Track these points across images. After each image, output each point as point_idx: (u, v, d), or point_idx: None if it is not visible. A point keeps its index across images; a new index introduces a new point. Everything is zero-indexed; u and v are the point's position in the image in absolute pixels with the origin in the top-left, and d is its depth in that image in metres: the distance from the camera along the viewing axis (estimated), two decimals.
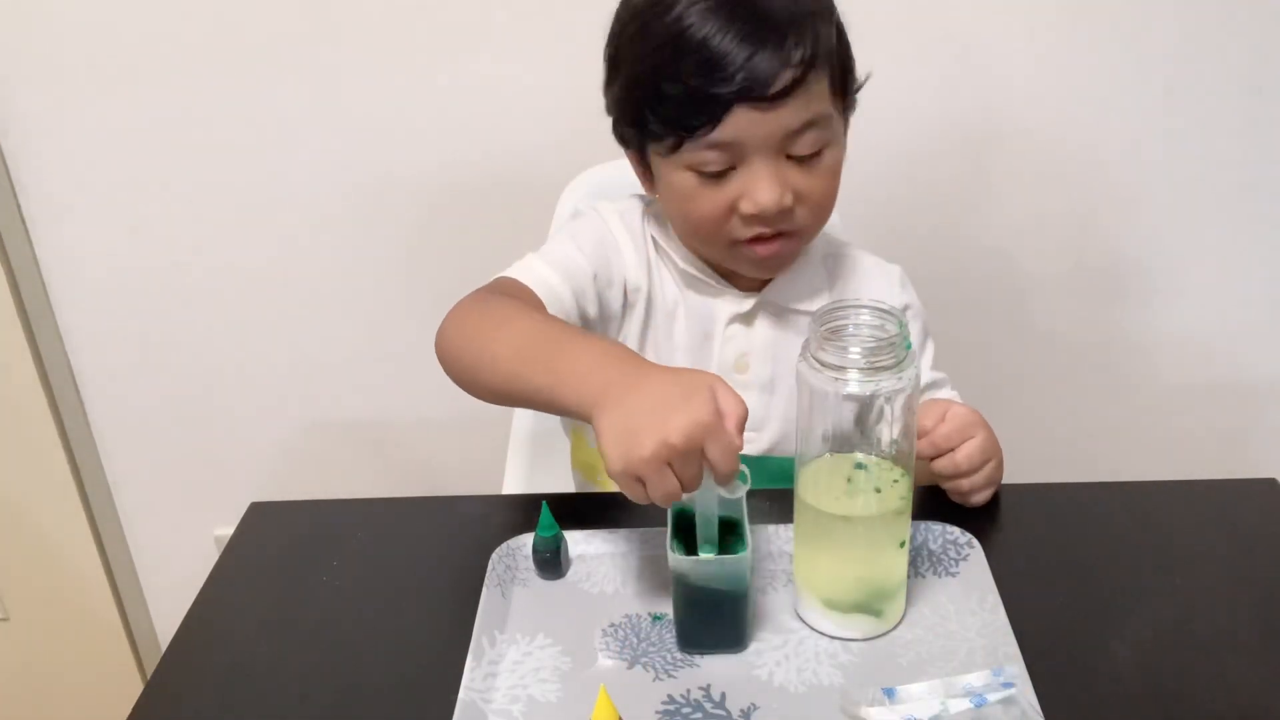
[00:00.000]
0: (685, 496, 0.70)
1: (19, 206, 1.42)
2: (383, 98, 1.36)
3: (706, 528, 0.73)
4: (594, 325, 0.94)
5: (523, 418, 1.20)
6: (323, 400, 1.55)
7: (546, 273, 0.91)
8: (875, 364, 0.68)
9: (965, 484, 0.86)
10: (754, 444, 0.97)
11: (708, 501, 0.72)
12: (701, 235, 0.91)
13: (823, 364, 0.69)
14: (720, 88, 0.81)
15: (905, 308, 1.01)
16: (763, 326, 0.96)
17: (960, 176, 1.40)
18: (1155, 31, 1.32)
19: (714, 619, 0.74)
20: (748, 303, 0.95)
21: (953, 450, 0.85)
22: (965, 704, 0.68)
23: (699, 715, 0.69)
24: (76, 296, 1.48)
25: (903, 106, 1.33)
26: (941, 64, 1.33)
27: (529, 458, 1.19)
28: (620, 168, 1.18)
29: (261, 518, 0.92)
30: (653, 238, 0.97)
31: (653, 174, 0.92)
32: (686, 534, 0.75)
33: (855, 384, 0.68)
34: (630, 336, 0.96)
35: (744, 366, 0.96)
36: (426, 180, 1.41)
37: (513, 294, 0.89)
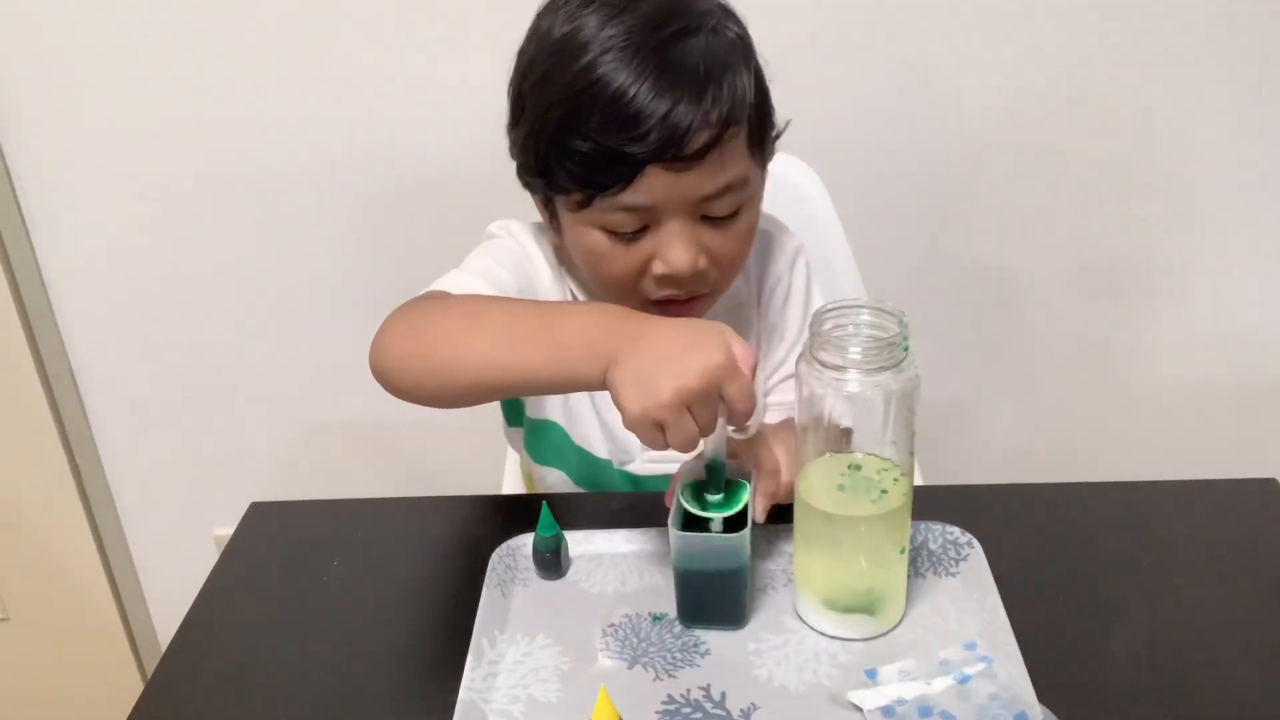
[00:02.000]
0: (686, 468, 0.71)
1: (19, 206, 1.42)
2: (384, 98, 1.36)
3: (716, 474, 0.74)
4: None
5: None
6: (323, 400, 1.55)
7: (476, 285, 0.87)
8: (875, 364, 0.68)
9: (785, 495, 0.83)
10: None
11: (715, 445, 0.73)
12: (612, 293, 0.86)
13: (822, 364, 0.69)
14: (634, 146, 0.76)
15: (778, 281, 0.97)
16: None
17: (960, 177, 1.40)
18: (1155, 31, 1.32)
19: (714, 595, 0.75)
20: None
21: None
22: (948, 681, 0.69)
23: (699, 715, 0.69)
24: (76, 296, 1.48)
25: (902, 107, 1.33)
26: (940, 64, 1.33)
27: None
28: None
29: (261, 518, 0.92)
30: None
31: (559, 223, 0.87)
32: (689, 513, 0.76)
33: (855, 384, 0.68)
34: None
35: None
36: (426, 180, 1.41)
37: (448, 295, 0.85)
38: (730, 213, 0.82)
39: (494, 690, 0.72)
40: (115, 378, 1.53)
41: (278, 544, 0.90)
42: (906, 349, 0.69)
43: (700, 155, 0.77)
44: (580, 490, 0.99)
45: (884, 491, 0.73)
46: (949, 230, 1.43)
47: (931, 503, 0.87)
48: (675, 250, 0.81)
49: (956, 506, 0.88)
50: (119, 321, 1.49)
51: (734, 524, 0.75)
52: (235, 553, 0.88)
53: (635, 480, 0.97)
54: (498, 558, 0.82)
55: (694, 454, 0.71)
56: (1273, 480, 0.91)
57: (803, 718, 0.69)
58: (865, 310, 0.72)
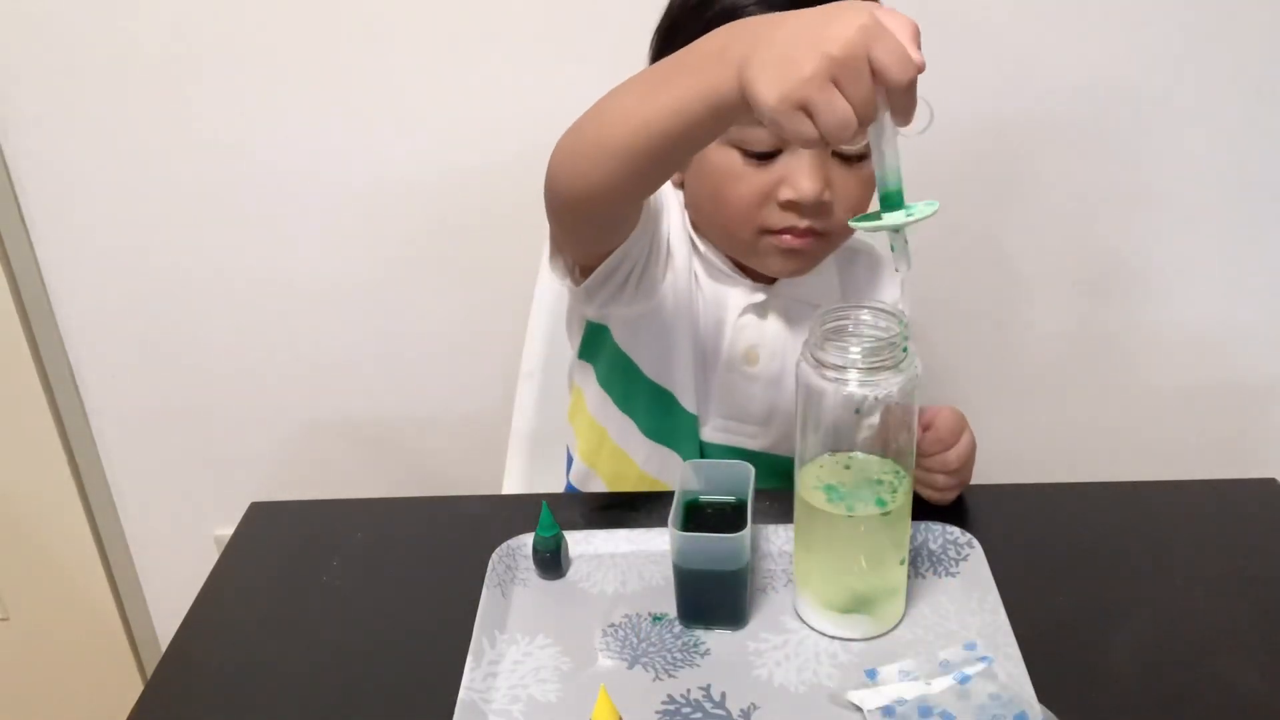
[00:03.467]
0: (689, 468, 0.69)
1: (19, 206, 1.42)
2: (384, 99, 1.36)
3: (888, 179, 0.65)
4: (655, 250, 0.90)
5: (522, 417, 1.20)
6: (323, 400, 1.55)
7: None
8: (875, 363, 0.68)
9: (943, 480, 0.86)
10: (758, 439, 0.97)
11: (890, 148, 0.64)
12: (734, 218, 0.89)
13: (823, 363, 0.69)
14: None
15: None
16: (775, 320, 0.96)
17: (959, 177, 1.40)
18: (1156, 31, 1.32)
19: (714, 595, 0.75)
20: (761, 294, 0.95)
21: (945, 449, 0.85)
22: (948, 681, 0.69)
23: (699, 715, 0.69)
24: (76, 296, 1.48)
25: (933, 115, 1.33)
26: (938, 65, 1.33)
27: (529, 458, 1.19)
28: None
29: (261, 518, 0.92)
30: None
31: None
32: (690, 513, 0.76)
33: (855, 384, 0.68)
34: (668, 302, 0.92)
35: (754, 359, 0.95)
36: (428, 181, 1.40)
37: None
38: (860, 153, 0.85)
39: (494, 690, 0.72)
40: (115, 378, 1.53)
41: (278, 544, 0.90)
42: (906, 349, 0.69)
43: None
44: (648, 442, 0.98)
45: (884, 491, 0.73)
46: (948, 230, 1.43)
47: (932, 503, 0.87)
48: (804, 176, 0.83)
49: (956, 506, 0.88)
50: (119, 321, 1.49)
51: (733, 525, 0.75)
52: (235, 553, 0.88)
53: (703, 447, 0.97)
54: (498, 558, 0.82)
55: (857, 146, 0.63)
56: (1273, 480, 0.91)
57: (803, 718, 0.69)
58: (865, 310, 0.72)
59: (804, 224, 0.86)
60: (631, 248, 0.87)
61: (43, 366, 1.48)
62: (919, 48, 0.61)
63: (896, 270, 0.68)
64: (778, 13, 0.64)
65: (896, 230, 0.66)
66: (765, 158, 0.85)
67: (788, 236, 0.87)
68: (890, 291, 1.01)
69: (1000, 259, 1.46)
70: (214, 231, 1.44)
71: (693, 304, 0.94)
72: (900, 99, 0.62)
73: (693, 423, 0.95)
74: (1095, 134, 1.38)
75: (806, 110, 0.60)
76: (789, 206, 0.86)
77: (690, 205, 0.94)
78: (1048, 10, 1.31)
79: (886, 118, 0.62)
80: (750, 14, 0.75)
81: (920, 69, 0.61)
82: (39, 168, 1.40)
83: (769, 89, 0.60)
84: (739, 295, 0.95)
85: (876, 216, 0.66)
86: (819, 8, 0.62)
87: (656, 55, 0.89)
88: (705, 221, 0.93)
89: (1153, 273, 1.46)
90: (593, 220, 0.82)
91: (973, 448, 0.87)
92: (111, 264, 1.45)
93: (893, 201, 0.65)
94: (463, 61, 1.34)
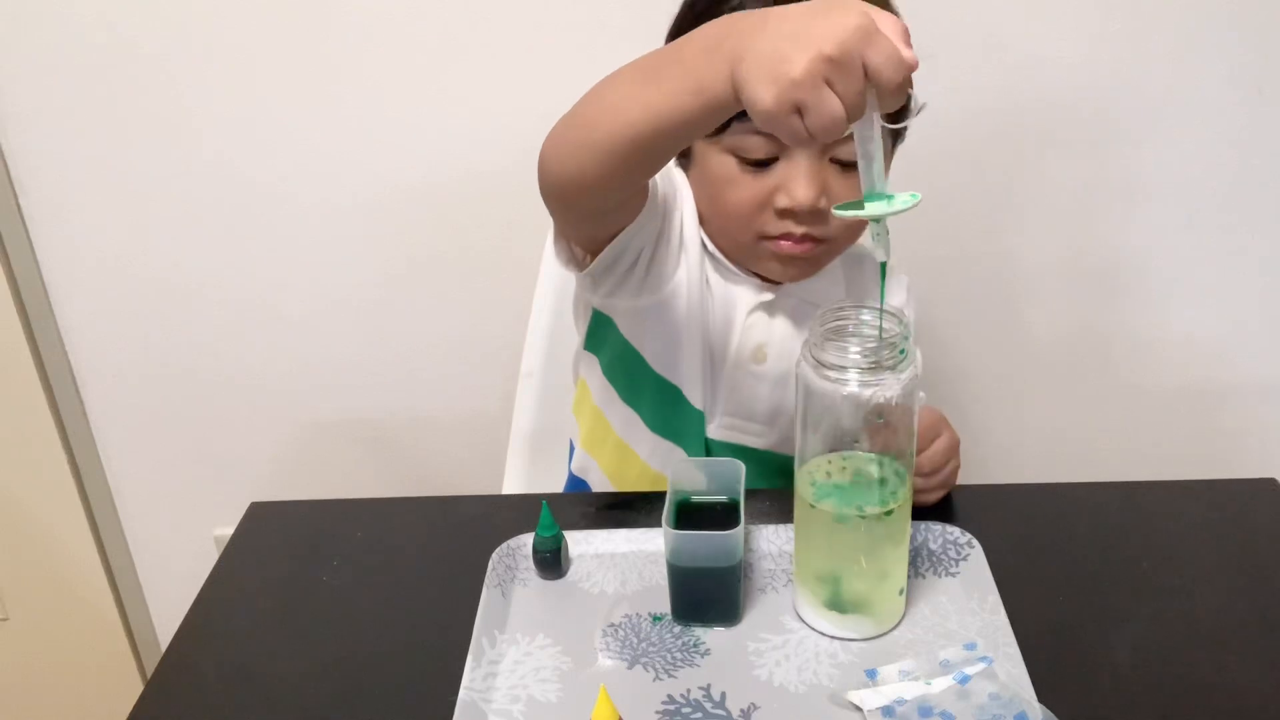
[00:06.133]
0: (684, 464, 0.71)
1: (19, 206, 1.42)
2: (383, 99, 1.36)
3: (870, 170, 0.66)
4: (661, 241, 0.90)
5: (522, 417, 1.20)
6: (323, 400, 1.55)
7: None
8: (875, 364, 0.68)
9: (919, 482, 0.85)
10: (763, 438, 0.97)
11: (870, 136, 0.64)
12: (731, 224, 0.90)
13: (823, 363, 0.69)
14: None
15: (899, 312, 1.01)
16: (783, 319, 0.96)
17: (958, 177, 1.40)
18: (1155, 31, 1.32)
19: (708, 593, 0.76)
20: (769, 294, 0.95)
21: (918, 452, 0.84)
22: (948, 681, 0.69)
23: (699, 715, 0.69)
24: (76, 296, 1.48)
25: (925, 104, 1.33)
26: (938, 64, 1.33)
27: (529, 458, 1.19)
28: None
29: (261, 518, 0.92)
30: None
31: (689, 156, 0.91)
32: (683, 511, 0.77)
33: (855, 384, 0.68)
34: (680, 296, 0.92)
35: (761, 357, 0.95)
36: (427, 181, 1.40)
37: None
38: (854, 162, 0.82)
39: (494, 690, 0.72)
40: (115, 378, 1.53)
41: (278, 544, 0.90)
42: (904, 350, 0.69)
43: None
44: (652, 435, 0.97)
45: (884, 491, 0.73)
46: (948, 230, 1.43)
47: (929, 505, 0.87)
48: (800, 182, 0.83)
49: (956, 506, 0.88)
50: (119, 321, 1.49)
51: (726, 522, 0.75)
52: (235, 553, 0.88)
53: (708, 444, 0.97)
54: (498, 558, 0.82)
55: (842, 134, 0.62)
56: (1273, 480, 0.91)
57: (803, 718, 0.69)
58: (865, 310, 0.72)
59: (800, 231, 0.86)
60: (635, 235, 0.87)
61: (43, 367, 1.48)
62: (909, 47, 0.61)
63: (879, 259, 0.70)
64: (772, 7, 0.64)
65: (878, 220, 0.67)
66: (762, 164, 0.85)
67: (785, 243, 0.87)
68: (896, 295, 1.01)
69: (1000, 259, 1.46)
70: (214, 231, 1.44)
71: (704, 300, 0.94)
72: (890, 98, 0.62)
73: (699, 419, 0.95)
74: (1095, 134, 1.38)
75: (799, 110, 0.61)
76: (785, 214, 0.86)
77: (697, 200, 0.94)
78: (1048, 10, 1.31)
79: (875, 116, 0.63)
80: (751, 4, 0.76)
81: (913, 68, 0.61)
82: (39, 168, 1.40)
83: (764, 91, 0.60)
84: (748, 294, 0.95)
85: (860, 205, 0.67)
86: (813, 2, 0.62)
87: (674, 33, 0.88)
88: (707, 224, 0.94)
89: (1152, 273, 1.46)
90: (584, 208, 0.83)
91: (950, 449, 0.86)
92: (111, 264, 1.45)
93: (875, 193, 0.66)
94: (463, 63, 1.34)
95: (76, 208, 1.42)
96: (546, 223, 1.17)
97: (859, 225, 0.88)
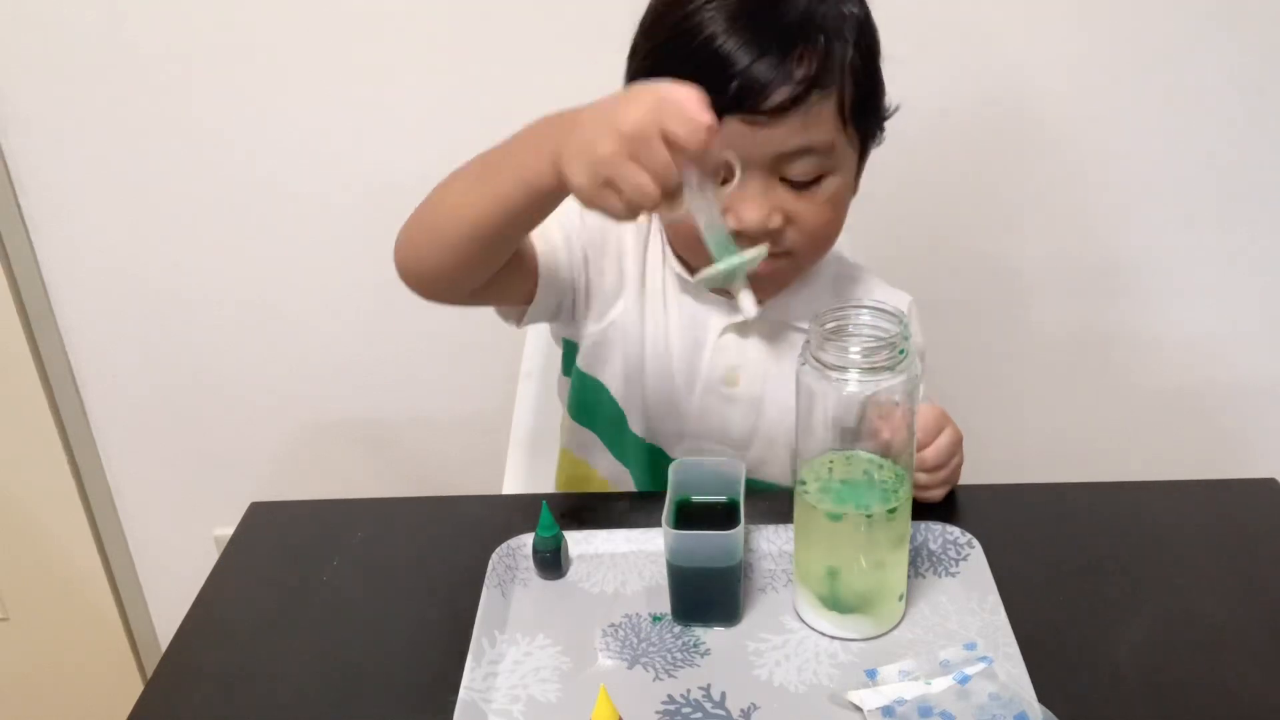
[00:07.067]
0: (682, 464, 0.71)
1: (19, 206, 1.42)
2: (383, 98, 1.36)
3: (714, 238, 0.71)
4: (581, 292, 0.92)
5: (522, 417, 1.20)
6: (323, 400, 1.55)
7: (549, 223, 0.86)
8: (875, 363, 0.68)
9: (923, 478, 0.85)
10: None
11: (706, 210, 0.70)
12: (689, 245, 0.88)
13: (823, 363, 0.69)
14: (714, 95, 0.76)
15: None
16: (757, 341, 0.94)
17: (958, 176, 1.40)
18: (1155, 31, 1.32)
19: (708, 593, 0.75)
20: (739, 315, 0.92)
21: (921, 448, 0.84)
22: (948, 681, 0.69)
23: (699, 715, 0.69)
24: (76, 296, 1.48)
25: (899, 105, 1.33)
26: (939, 63, 1.33)
27: (529, 458, 1.19)
28: None
29: (261, 518, 0.92)
30: (659, 233, 0.95)
31: None
32: (683, 512, 0.77)
33: (855, 383, 0.68)
34: (629, 323, 0.93)
35: (733, 380, 0.93)
36: (427, 180, 1.40)
37: None
38: (811, 178, 0.82)
39: (494, 690, 0.72)
40: (115, 378, 1.53)
41: (278, 544, 0.90)
42: (904, 351, 0.69)
43: (780, 112, 0.78)
44: (609, 455, 0.98)
45: (884, 491, 0.73)
46: (948, 230, 1.43)
47: (931, 503, 0.87)
48: (747, 205, 0.81)
49: (956, 506, 0.88)
50: (119, 321, 1.49)
51: (725, 522, 0.75)
52: (235, 553, 0.88)
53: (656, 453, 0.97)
54: (498, 558, 0.82)
55: (679, 212, 0.68)
56: (1273, 480, 0.91)
57: (803, 718, 0.69)
58: (865, 310, 0.72)
59: None
60: (542, 297, 0.89)
61: (43, 367, 1.48)
62: (704, 111, 0.65)
63: (748, 314, 0.74)
64: (582, 105, 0.70)
65: (731, 277, 0.73)
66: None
67: None
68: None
69: (1000, 259, 1.46)
70: (214, 231, 1.44)
71: (662, 325, 0.93)
72: (703, 161, 0.67)
73: (639, 444, 0.95)
74: (1095, 134, 1.38)
75: (612, 186, 0.65)
76: (738, 237, 0.82)
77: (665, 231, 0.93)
78: (1048, 10, 1.31)
79: (694, 178, 0.68)
80: (690, 36, 0.79)
81: (712, 131, 0.64)
82: (39, 168, 1.40)
83: (578, 173, 0.66)
84: (719, 314, 0.93)
85: (715, 259, 0.72)
86: (614, 95, 0.68)
87: (632, 48, 0.88)
88: (669, 239, 0.93)
89: (1152, 273, 1.46)
90: (451, 294, 0.84)
91: (954, 445, 0.86)
92: (111, 264, 1.45)
93: (721, 251, 0.72)
94: (463, 62, 1.34)
95: (76, 208, 1.42)
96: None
97: (824, 237, 0.88)
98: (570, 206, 0.87)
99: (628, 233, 0.93)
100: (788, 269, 0.88)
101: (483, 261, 0.80)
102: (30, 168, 1.40)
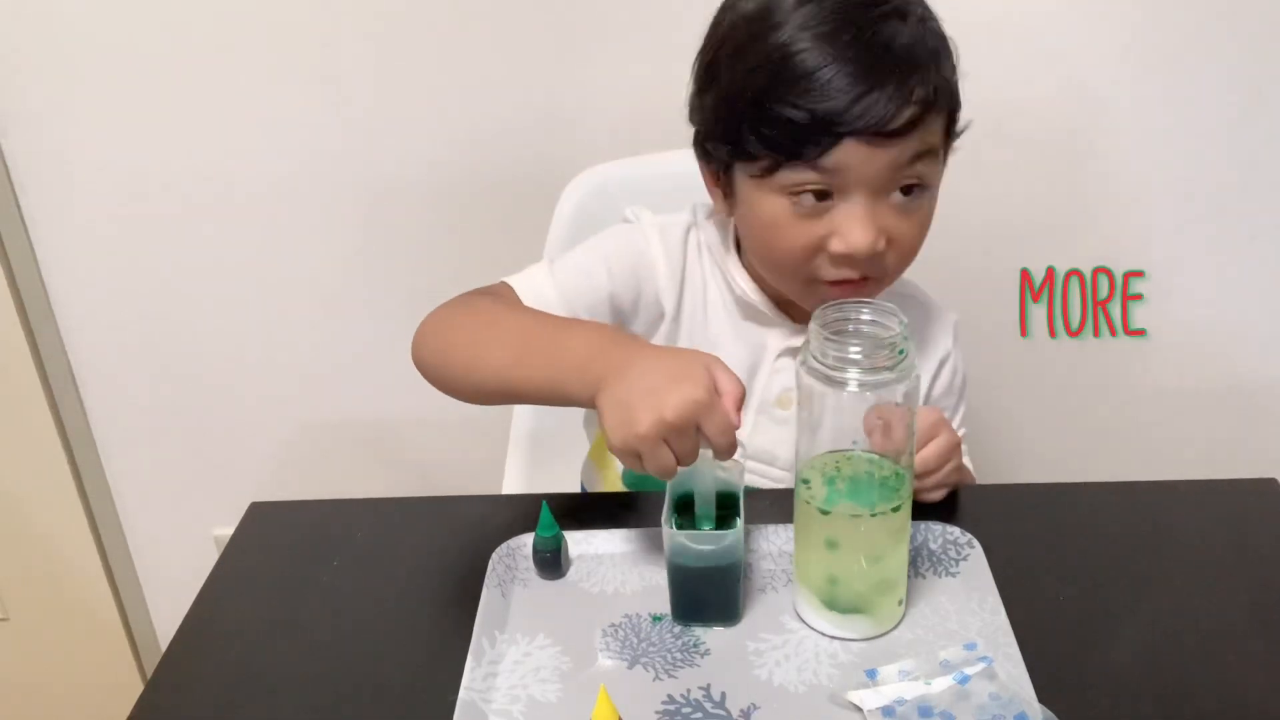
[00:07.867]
0: (681, 472, 0.72)
1: (19, 206, 1.42)
2: (382, 97, 1.36)
3: (704, 503, 0.75)
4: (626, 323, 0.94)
5: (523, 417, 1.20)
6: (323, 400, 1.55)
7: (546, 289, 0.90)
8: (875, 363, 0.68)
9: (915, 483, 0.83)
10: (783, 483, 0.96)
11: (705, 478, 0.74)
12: (782, 269, 0.87)
13: (823, 363, 0.69)
14: (835, 118, 0.78)
15: (946, 357, 1.00)
16: None
17: (958, 176, 1.40)
18: (1155, 31, 1.32)
19: (708, 592, 0.75)
20: (801, 338, 0.92)
21: (919, 449, 0.83)
22: (948, 681, 0.69)
23: (699, 715, 0.69)
24: (76, 296, 1.48)
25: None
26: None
27: (529, 458, 1.19)
28: (622, 167, 1.19)
29: (261, 518, 0.92)
30: (708, 253, 0.94)
31: (732, 193, 0.88)
32: (683, 510, 0.76)
33: (855, 383, 0.68)
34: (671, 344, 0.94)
35: (787, 402, 0.93)
36: (427, 180, 1.41)
37: (497, 294, 0.90)
38: (916, 183, 0.83)
39: (494, 690, 0.72)
40: (115, 378, 1.53)
41: (278, 544, 0.90)
42: (904, 351, 0.69)
43: (901, 133, 0.79)
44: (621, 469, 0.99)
45: (884, 491, 0.73)
46: (948, 230, 1.43)
47: (931, 503, 0.87)
48: (855, 228, 0.81)
49: (956, 506, 0.88)
50: (119, 321, 1.49)
51: (726, 520, 0.75)
52: (235, 553, 0.88)
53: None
54: (498, 558, 0.82)
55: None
56: (1273, 480, 0.91)
57: (803, 718, 0.69)
58: (865, 310, 0.72)
59: (857, 275, 0.85)
60: None
61: (43, 366, 1.48)
62: (740, 410, 0.71)
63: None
64: (641, 346, 0.76)
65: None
66: (813, 207, 0.82)
67: (840, 287, 0.85)
68: (943, 341, 1.00)
69: (999, 259, 1.46)
70: (214, 231, 1.44)
71: (710, 346, 0.92)
72: (721, 453, 0.72)
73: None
74: (1094, 134, 1.38)
75: (639, 455, 0.71)
76: (841, 259, 0.83)
77: (742, 239, 0.92)
78: (1048, 10, 1.31)
79: (707, 456, 0.73)
80: (797, 57, 0.78)
81: (737, 429, 0.71)
82: (39, 167, 1.40)
83: (612, 431, 0.71)
84: (777, 337, 0.93)
85: (698, 526, 0.76)
86: (669, 360, 0.72)
87: (707, 65, 0.87)
88: (757, 263, 0.91)
89: (1153, 273, 1.46)
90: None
91: (946, 450, 0.84)
92: (111, 264, 1.46)
93: (703, 511, 0.76)
94: (463, 63, 1.34)
95: (76, 208, 1.42)
96: (547, 222, 1.18)
97: (915, 252, 0.88)
98: (588, 277, 0.91)
99: (660, 271, 0.93)
100: (874, 291, 0.88)
101: (504, 403, 0.86)
102: (30, 168, 1.40)
